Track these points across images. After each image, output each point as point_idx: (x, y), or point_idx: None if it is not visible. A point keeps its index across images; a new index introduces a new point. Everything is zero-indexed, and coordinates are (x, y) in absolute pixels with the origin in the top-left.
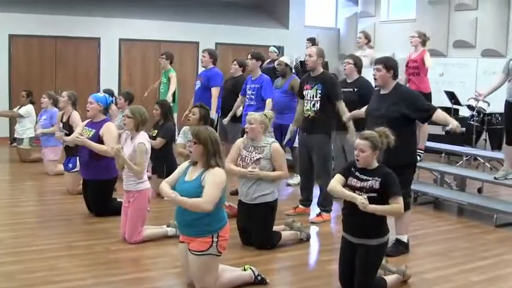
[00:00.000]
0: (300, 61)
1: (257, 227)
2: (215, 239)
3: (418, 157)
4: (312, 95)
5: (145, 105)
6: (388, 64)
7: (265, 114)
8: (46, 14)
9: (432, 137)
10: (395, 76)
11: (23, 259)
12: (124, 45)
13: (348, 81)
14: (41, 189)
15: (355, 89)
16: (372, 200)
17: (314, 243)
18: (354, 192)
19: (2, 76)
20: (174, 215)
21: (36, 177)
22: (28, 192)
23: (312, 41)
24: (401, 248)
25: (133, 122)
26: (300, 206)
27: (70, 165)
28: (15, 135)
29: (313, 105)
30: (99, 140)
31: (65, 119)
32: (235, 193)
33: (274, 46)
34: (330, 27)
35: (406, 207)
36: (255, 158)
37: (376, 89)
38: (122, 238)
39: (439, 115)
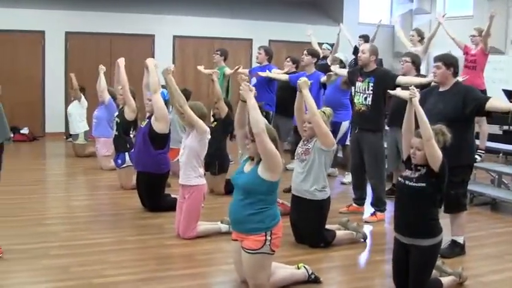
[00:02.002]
0: (355, 46)
1: (307, 226)
2: (268, 237)
3: (479, 157)
4: (363, 88)
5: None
6: (448, 61)
7: (323, 112)
8: (101, 11)
9: (489, 137)
10: (455, 73)
11: (77, 252)
12: (178, 42)
13: None
14: (95, 183)
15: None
16: (421, 191)
17: (368, 243)
18: (405, 182)
19: (59, 72)
20: (228, 212)
21: (91, 172)
22: (82, 187)
23: (365, 38)
24: (457, 249)
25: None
26: (354, 204)
27: (119, 161)
28: (70, 131)
29: (365, 98)
30: (151, 130)
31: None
32: (288, 191)
33: (327, 43)
34: (385, 25)
35: (462, 208)
36: (302, 151)
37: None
38: (176, 234)
39: (494, 102)
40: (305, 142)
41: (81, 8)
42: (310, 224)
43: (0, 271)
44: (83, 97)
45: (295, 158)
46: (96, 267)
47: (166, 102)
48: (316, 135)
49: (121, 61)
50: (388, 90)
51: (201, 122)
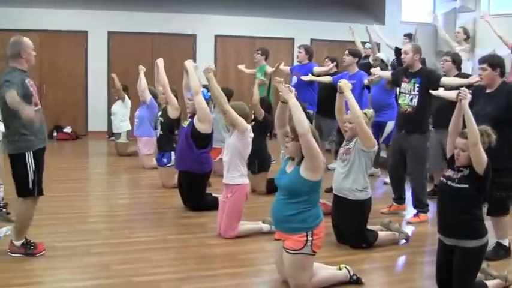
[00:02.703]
0: (396, 47)
1: (348, 226)
2: (309, 238)
3: None
4: (409, 88)
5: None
6: (494, 62)
7: (365, 113)
8: (143, 11)
9: None
10: (502, 74)
11: (118, 250)
12: (219, 42)
13: None
14: (137, 182)
15: None
16: (463, 191)
17: (411, 244)
18: (447, 182)
19: (101, 72)
20: (270, 211)
21: (132, 170)
22: (124, 186)
23: (410, 37)
24: (502, 252)
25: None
26: (394, 204)
27: (165, 159)
28: (113, 130)
29: (411, 99)
30: (194, 130)
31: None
32: (329, 190)
33: (369, 42)
34: (427, 23)
35: (505, 211)
36: (343, 150)
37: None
38: (218, 233)
39: None
40: (347, 142)
41: (123, 8)
42: (352, 225)
43: (42, 268)
44: (126, 97)
45: (338, 157)
46: (136, 265)
47: (208, 102)
48: (357, 134)
49: (160, 61)
50: (431, 91)
51: (241, 120)
